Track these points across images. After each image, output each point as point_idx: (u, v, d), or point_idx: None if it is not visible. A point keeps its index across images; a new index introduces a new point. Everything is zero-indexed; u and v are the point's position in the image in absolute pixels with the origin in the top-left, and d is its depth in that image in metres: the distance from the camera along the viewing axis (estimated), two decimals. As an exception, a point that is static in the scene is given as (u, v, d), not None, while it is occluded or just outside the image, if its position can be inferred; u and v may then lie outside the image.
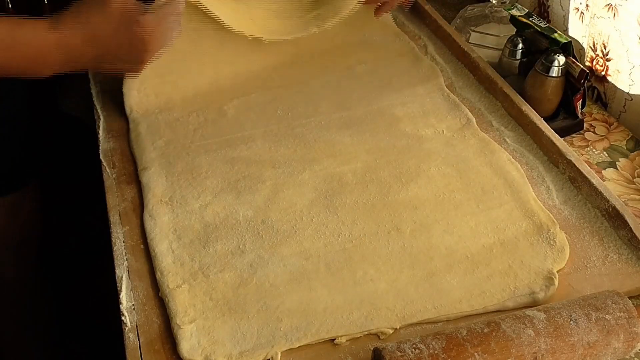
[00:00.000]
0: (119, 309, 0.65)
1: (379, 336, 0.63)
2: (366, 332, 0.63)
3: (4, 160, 0.98)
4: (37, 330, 1.17)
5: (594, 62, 0.96)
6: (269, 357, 0.61)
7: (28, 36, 0.69)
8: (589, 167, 0.77)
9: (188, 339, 0.62)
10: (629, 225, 0.69)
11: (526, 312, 0.59)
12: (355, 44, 1.02)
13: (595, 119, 0.93)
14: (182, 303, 0.65)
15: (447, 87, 0.93)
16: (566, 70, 0.87)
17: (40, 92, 0.71)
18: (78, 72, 0.76)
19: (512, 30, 0.98)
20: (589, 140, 0.90)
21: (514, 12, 0.96)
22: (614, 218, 0.71)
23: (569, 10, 1.00)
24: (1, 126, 0.96)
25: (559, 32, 0.90)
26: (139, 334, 0.63)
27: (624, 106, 0.92)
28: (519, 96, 0.88)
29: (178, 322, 0.63)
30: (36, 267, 1.14)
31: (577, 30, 0.99)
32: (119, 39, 0.73)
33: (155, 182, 0.79)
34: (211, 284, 0.67)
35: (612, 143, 0.89)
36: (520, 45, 0.95)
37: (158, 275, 0.68)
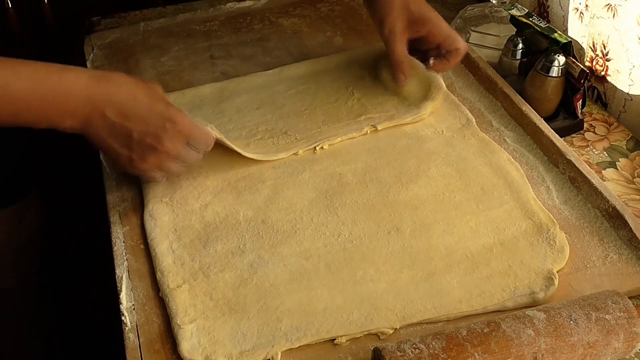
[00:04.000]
0: (119, 309, 0.65)
1: (379, 336, 0.63)
2: (366, 332, 0.63)
3: (6, 172, 0.98)
4: (38, 334, 1.17)
5: (594, 62, 0.96)
6: (269, 357, 0.61)
7: (64, 79, 0.68)
8: (589, 167, 0.77)
9: (188, 339, 0.62)
10: (629, 225, 0.69)
11: (526, 312, 0.59)
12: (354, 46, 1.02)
13: (595, 119, 0.93)
14: (182, 303, 0.65)
15: (447, 87, 0.93)
16: (566, 70, 0.87)
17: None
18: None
19: (512, 30, 0.98)
20: (589, 140, 0.90)
21: (514, 12, 0.96)
22: (614, 218, 0.71)
23: (568, 11, 1.00)
24: (2, 139, 0.95)
25: (559, 32, 0.90)
26: (139, 334, 0.63)
27: (624, 106, 0.92)
28: (519, 96, 0.88)
29: (178, 322, 0.63)
30: (38, 275, 1.14)
31: (577, 30, 0.99)
32: (149, 120, 0.71)
33: (155, 182, 0.79)
34: (211, 284, 0.67)
35: (612, 143, 0.89)
36: (520, 45, 0.95)
37: (158, 275, 0.68)
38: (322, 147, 0.83)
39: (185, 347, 0.61)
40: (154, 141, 0.71)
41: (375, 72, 0.93)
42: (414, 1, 0.86)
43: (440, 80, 0.88)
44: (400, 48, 0.87)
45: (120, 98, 0.71)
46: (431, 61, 0.90)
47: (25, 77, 0.67)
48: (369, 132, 0.85)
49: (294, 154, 0.82)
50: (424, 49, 0.90)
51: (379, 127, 0.85)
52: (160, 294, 0.67)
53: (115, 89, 0.71)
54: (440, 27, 0.86)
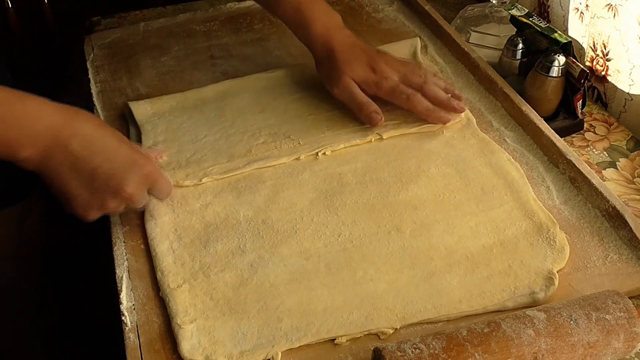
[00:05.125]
0: (119, 309, 0.65)
1: (379, 336, 0.63)
2: (366, 332, 0.63)
3: (7, 173, 0.98)
4: (38, 334, 1.17)
5: (594, 62, 0.96)
6: (269, 357, 0.61)
7: (27, 106, 0.65)
8: (589, 167, 0.77)
9: (189, 339, 0.62)
10: (629, 225, 0.69)
11: (526, 312, 0.59)
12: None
13: (595, 119, 0.93)
14: (182, 303, 0.65)
15: (447, 87, 0.93)
16: (566, 70, 0.87)
17: (39, 93, 0.71)
18: (72, 77, 0.71)
19: (512, 30, 0.98)
20: (589, 140, 0.90)
21: (514, 12, 0.96)
22: (614, 218, 0.71)
23: (568, 10, 1.00)
24: None
25: (559, 32, 0.90)
26: (139, 334, 0.63)
27: (624, 106, 0.92)
28: (519, 96, 0.88)
29: (179, 322, 0.63)
30: (39, 275, 1.14)
31: (577, 30, 0.99)
32: (116, 160, 0.67)
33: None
34: (211, 284, 0.67)
35: (612, 143, 0.89)
36: (520, 45, 0.94)
37: (159, 275, 0.68)
38: (324, 153, 0.82)
39: (185, 347, 0.61)
40: (118, 184, 0.67)
41: None
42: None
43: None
44: (360, 95, 0.85)
45: (86, 132, 0.67)
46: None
47: None
48: (373, 140, 0.84)
49: (296, 158, 0.82)
50: None
51: (385, 136, 0.84)
52: (160, 294, 0.67)
53: (82, 122, 0.67)
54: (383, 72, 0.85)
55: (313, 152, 0.82)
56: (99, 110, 0.92)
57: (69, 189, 0.67)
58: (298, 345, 0.62)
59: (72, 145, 0.66)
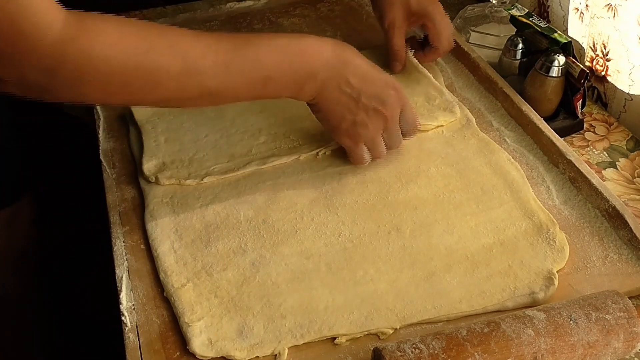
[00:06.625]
0: (119, 309, 0.65)
1: (379, 336, 0.63)
2: (366, 332, 0.63)
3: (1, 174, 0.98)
4: (38, 335, 1.17)
5: (594, 62, 0.96)
6: (276, 352, 0.61)
7: (307, 44, 0.71)
8: (589, 167, 0.77)
9: (198, 336, 0.62)
10: (629, 225, 0.69)
11: (526, 312, 0.59)
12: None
13: (595, 119, 0.93)
14: (188, 301, 0.65)
15: (447, 87, 0.93)
16: (566, 70, 0.87)
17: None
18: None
19: (512, 30, 0.98)
20: (589, 140, 0.90)
21: (514, 12, 0.96)
22: (614, 218, 0.71)
23: (568, 10, 1.00)
24: None
25: (559, 32, 0.90)
26: (139, 334, 0.63)
27: (624, 106, 0.92)
28: (519, 96, 0.88)
29: (186, 320, 0.63)
30: (35, 277, 1.14)
31: (577, 30, 0.99)
32: (377, 84, 0.74)
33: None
34: (215, 283, 0.67)
35: (612, 143, 0.89)
36: (520, 45, 0.95)
37: (162, 275, 0.68)
38: (324, 153, 0.82)
39: (195, 343, 0.62)
40: (379, 104, 0.74)
41: None
42: None
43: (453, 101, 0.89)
44: (397, 39, 0.91)
45: (354, 61, 0.73)
46: (410, 52, 0.94)
47: (273, 44, 0.69)
48: None
49: (296, 158, 0.82)
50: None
51: None
52: (164, 294, 0.67)
53: (348, 53, 0.73)
54: (434, 21, 0.90)
55: (313, 152, 0.82)
56: (99, 110, 0.92)
57: (336, 114, 0.75)
58: (302, 342, 0.62)
59: (344, 73, 0.72)
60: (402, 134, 0.79)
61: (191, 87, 0.65)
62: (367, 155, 0.78)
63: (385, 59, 0.94)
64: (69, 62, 0.57)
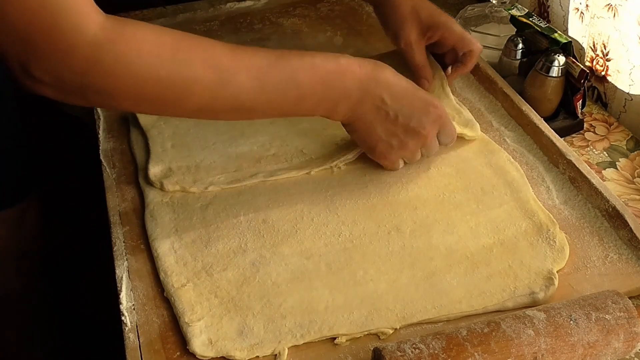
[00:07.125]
0: (119, 309, 0.65)
1: (379, 336, 0.63)
2: (366, 332, 0.63)
3: (6, 173, 0.98)
4: (38, 335, 1.17)
5: (594, 62, 0.96)
6: (276, 352, 0.61)
7: (340, 64, 0.70)
8: (589, 167, 0.77)
9: (198, 336, 0.62)
10: (629, 225, 0.70)
11: (526, 312, 0.59)
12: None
13: (595, 119, 0.93)
14: (188, 301, 0.65)
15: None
16: (566, 70, 0.87)
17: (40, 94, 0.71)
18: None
19: (512, 30, 0.98)
20: (589, 140, 0.90)
21: (514, 12, 0.96)
22: (614, 218, 0.71)
23: (568, 10, 1.00)
24: (1, 141, 0.95)
25: (559, 32, 0.90)
26: (139, 334, 0.63)
27: (624, 106, 0.92)
28: (519, 96, 0.88)
29: (186, 320, 0.63)
30: (39, 277, 1.14)
31: (577, 30, 0.99)
32: (414, 104, 0.73)
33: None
34: (215, 283, 0.67)
35: (612, 143, 0.89)
36: (520, 45, 0.95)
37: (162, 275, 0.68)
38: (339, 167, 0.81)
39: (196, 343, 0.62)
40: (417, 124, 0.74)
41: None
42: (422, 8, 0.87)
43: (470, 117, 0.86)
44: (418, 56, 0.88)
45: (389, 79, 0.72)
46: (448, 70, 0.90)
47: (307, 62, 0.68)
48: None
49: (306, 173, 0.80)
50: (440, 53, 0.90)
51: None
52: (165, 294, 0.67)
53: (382, 71, 0.72)
54: (452, 29, 0.87)
55: (326, 167, 0.80)
56: (99, 110, 0.92)
57: (373, 135, 0.74)
58: (302, 342, 0.62)
59: (379, 93, 0.72)
60: (439, 142, 0.78)
61: (223, 100, 0.65)
62: (401, 165, 0.79)
63: (397, 66, 0.92)
64: (103, 65, 0.57)
